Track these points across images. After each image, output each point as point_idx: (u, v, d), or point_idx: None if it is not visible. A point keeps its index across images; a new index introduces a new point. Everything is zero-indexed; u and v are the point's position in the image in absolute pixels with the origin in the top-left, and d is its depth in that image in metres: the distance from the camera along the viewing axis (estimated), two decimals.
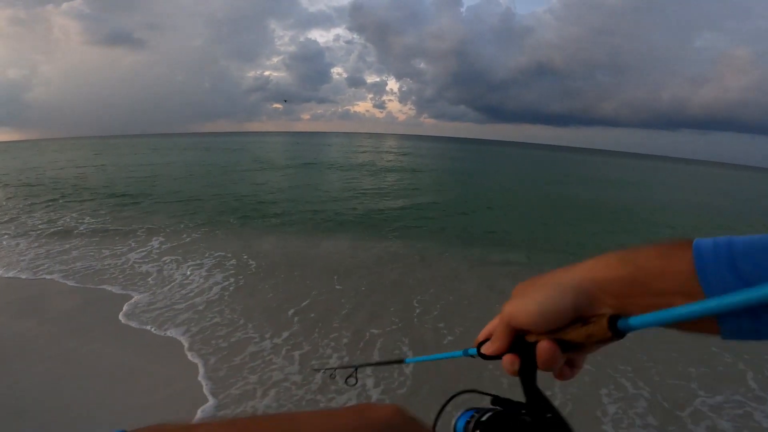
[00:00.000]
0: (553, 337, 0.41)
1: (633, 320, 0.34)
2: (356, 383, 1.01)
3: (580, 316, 0.40)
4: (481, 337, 0.50)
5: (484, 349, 0.47)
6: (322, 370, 1.50)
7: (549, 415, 0.40)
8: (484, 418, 0.41)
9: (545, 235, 9.06)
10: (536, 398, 0.41)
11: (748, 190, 28.30)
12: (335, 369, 1.30)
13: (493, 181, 19.66)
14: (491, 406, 0.44)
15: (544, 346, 0.40)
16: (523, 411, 0.41)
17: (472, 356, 0.51)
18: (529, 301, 0.42)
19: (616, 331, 0.35)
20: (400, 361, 0.88)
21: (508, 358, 0.44)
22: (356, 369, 1.03)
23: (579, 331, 0.39)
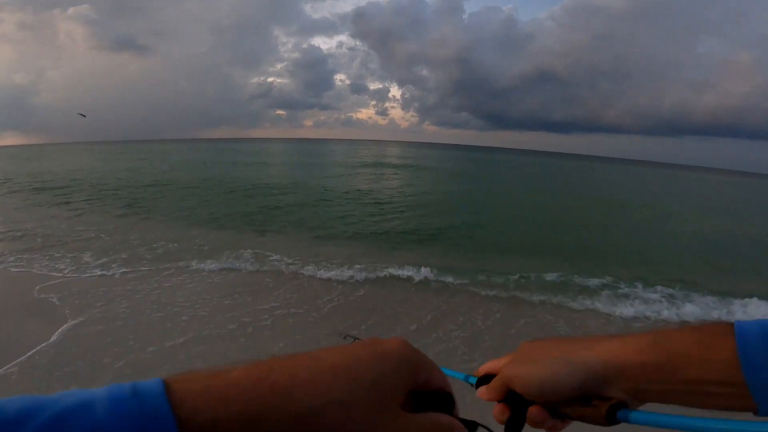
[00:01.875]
0: (547, 405, 0.41)
1: (635, 415, 0.33)
2: None
3: (584, 394, 0.39)
4: (482, 370, 0.51)
5: (479, 392, 0.48)
6: (344, 336, 1.45)
7: None
8: None
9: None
10: None
11: (754, 198, 28.07)
12: (355, 338, 1.27)
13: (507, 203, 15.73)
14: None
15: (534, 413, 0.42)
16: None
17: (471, 384, 0.52)
18: (532, 372, 0.42)
19: (612, 420, 0.35)
20: None
21: (499, 408, 0.46)
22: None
23: (574, 409, 0.39)
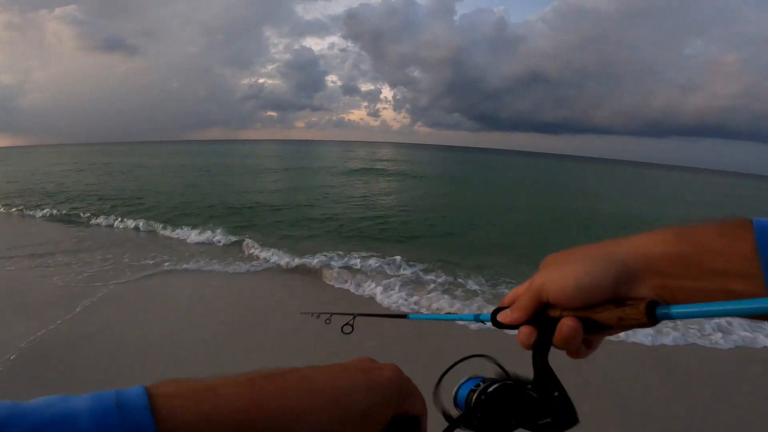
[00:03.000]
0: (579, 315, 0.38)
1: (675, 309, 0.32)
2: (352, 332, 0.97)
3: (616, 296, 0.37)
4: (504, 304, 0.47)
5: (501, 317, 0.44)
6: (317, 315, 1.39)
7: (556, 393, 0.38)
8: (491, 389, 0.40)
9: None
10: (546, 375, 0.39)
11: (744, 197, 28.75)
12: (331, 314, 1.23)
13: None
14: (498, 378, 0.42)
15: (567, 324, 0.38)
16: (530, 386, 0.40)
17: (483, 322, 0.49)
18: (567, 273, 0.39)
19: (653, 318, 0.33)
20: (403, 316, 0.84)
21: (525, 330, 0.42)
22: (354, 317, 0.99)
23: (611, 313, 0.36)
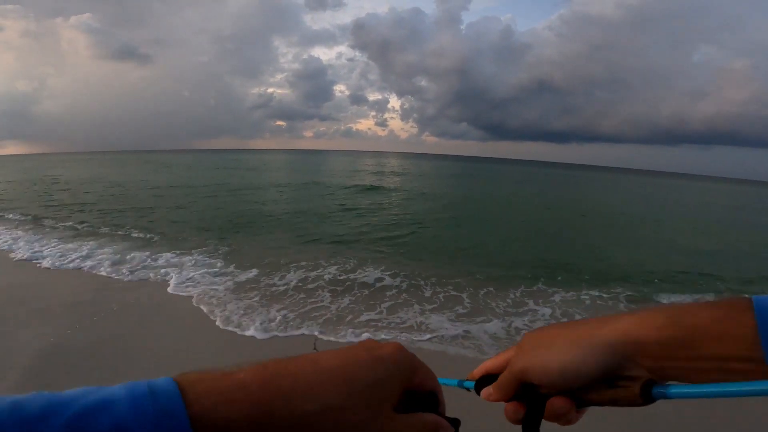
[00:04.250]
0: (569, 395, 0.38)
1: (672, 390, 0.31)
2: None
3: (606, 377, 0.36)
4: (477, 373, 0.47)
5: (485, 394, 0.45)
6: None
7: None
8: None
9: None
10: None
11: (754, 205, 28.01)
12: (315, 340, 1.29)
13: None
14: None
15: (558, 404, 0.38)
16: None
17: (467, 389, 0.48)
18: (549, 359, 0.39)
19: (648, 398, 0.33)
20: None
21: (511, 407, 0.42)
22: (316, 340, 0.98)
23: (603, 394, 0.36)
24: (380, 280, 6.19)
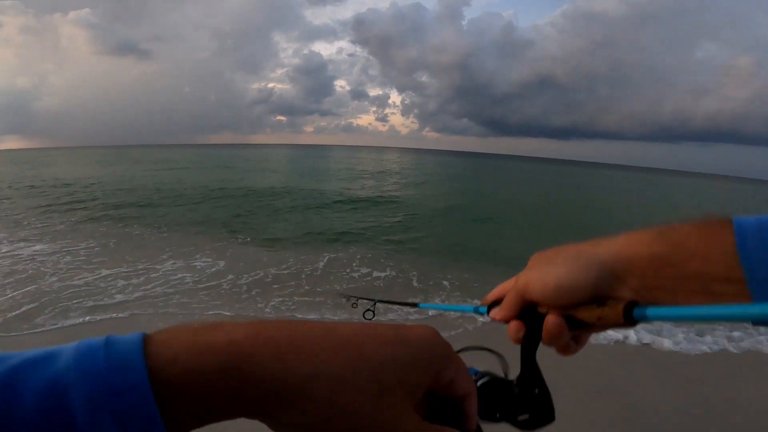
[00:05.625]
0: (563, 313, 0.40)
1: (651, 311, 0.31)
2: (373, 317, 1.03)
3: (597, 295, 0.38)
4: (491, 297, 0.49)
5: (493, 314, 0.47)
6: (346, 297, 1.49)
7: (537, 390, 0.39)
8: (480, 382, 0.40)
9: None
10: (530, 371, 0.40)
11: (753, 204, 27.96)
12: (358, 298, 1.32)
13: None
14: (488, 372, 0.42)
15: (552, 321, 0.39)
16: (515, 382, 0.41)
17: (481, 314, 0.51)
18: (548, 274, 0.40)
19: (630, 319, 0.33)
20: (414, 305, 0.90)
21: (514, 326, 0.43)
22: (375, 303, 1.06)
23: (592, 312, 0.37)
24: None
